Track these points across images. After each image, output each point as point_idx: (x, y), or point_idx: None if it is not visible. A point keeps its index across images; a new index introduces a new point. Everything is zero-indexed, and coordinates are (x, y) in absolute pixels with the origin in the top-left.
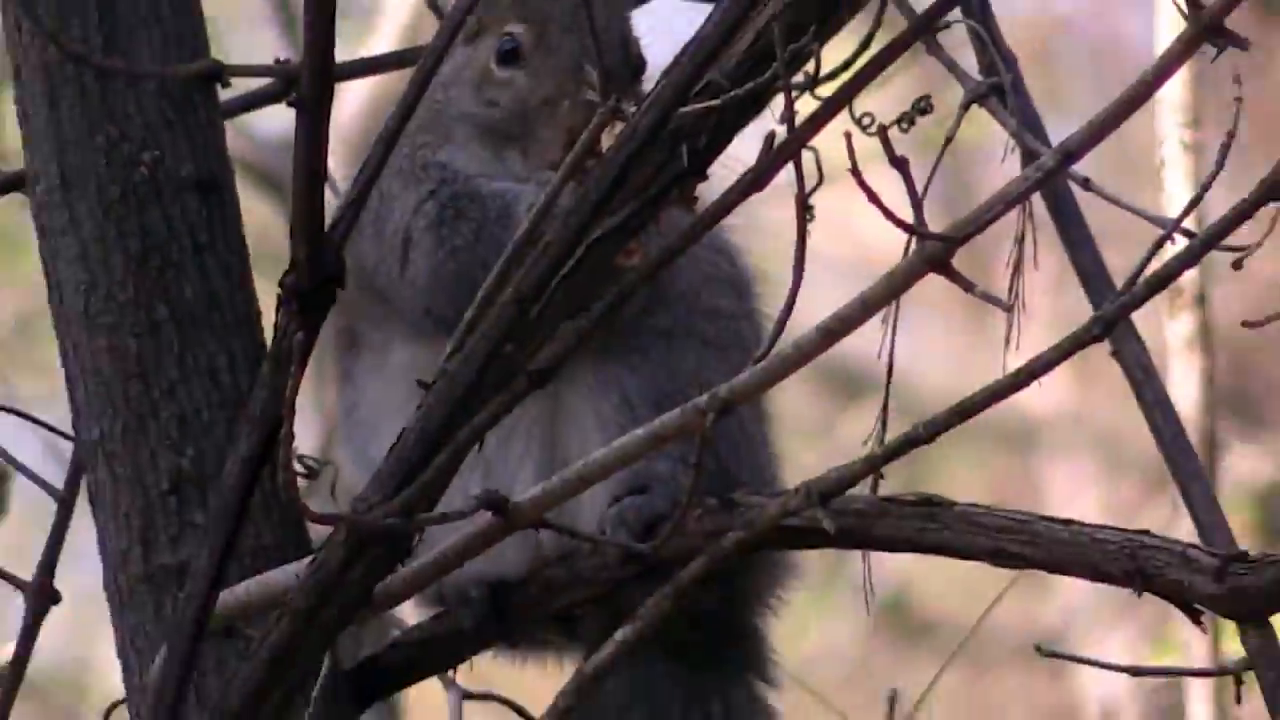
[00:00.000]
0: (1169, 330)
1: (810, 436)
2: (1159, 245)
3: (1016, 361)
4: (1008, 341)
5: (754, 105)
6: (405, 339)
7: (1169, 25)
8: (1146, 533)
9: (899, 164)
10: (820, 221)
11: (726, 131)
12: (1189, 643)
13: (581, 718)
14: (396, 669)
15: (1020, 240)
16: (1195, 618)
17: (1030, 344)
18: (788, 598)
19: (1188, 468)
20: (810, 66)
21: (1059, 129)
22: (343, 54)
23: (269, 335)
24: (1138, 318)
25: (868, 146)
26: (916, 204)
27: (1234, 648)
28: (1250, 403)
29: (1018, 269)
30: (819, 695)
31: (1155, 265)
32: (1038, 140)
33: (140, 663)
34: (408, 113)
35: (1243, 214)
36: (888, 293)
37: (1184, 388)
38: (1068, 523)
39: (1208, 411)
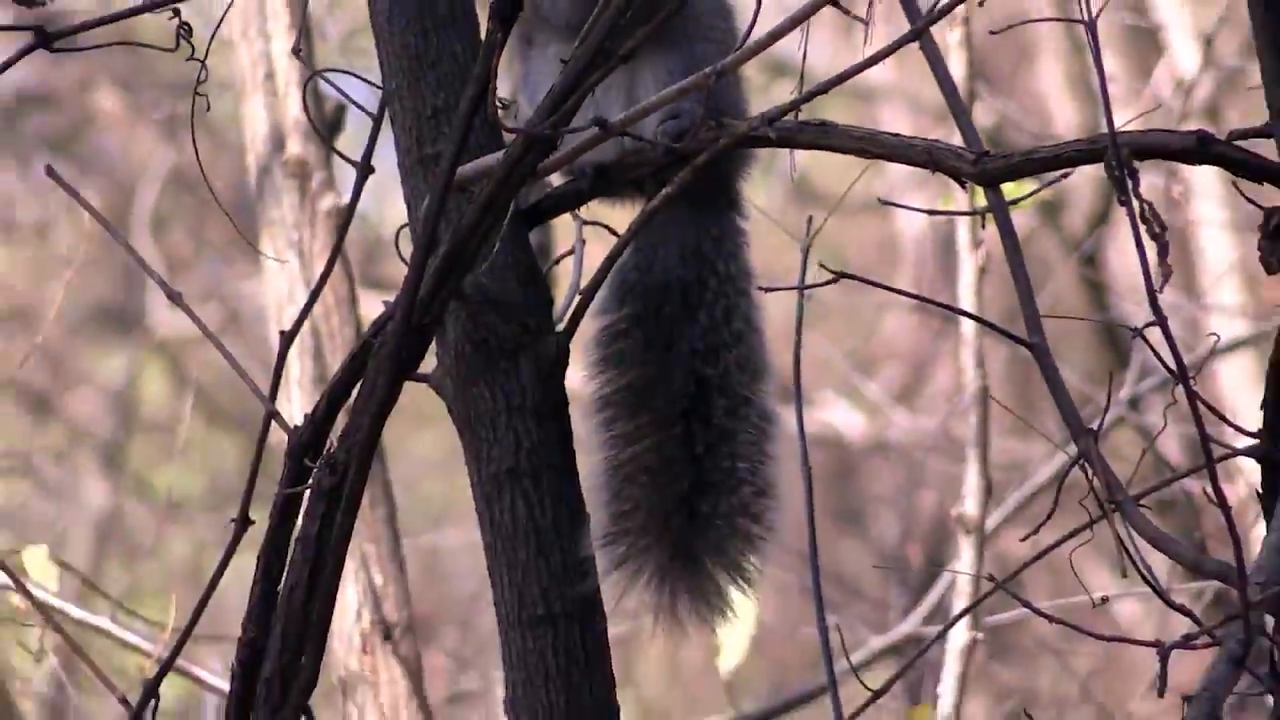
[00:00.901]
0: (949, 37)
1: (760, 93)
2: None
3: (869, 53)
4: (865, 42)
5: None
6: (555, 40)
7: None
8: (938, 141)
9: None
10: None
11: None
12: (958, 199)
13: (643, 238)
14: (548, 208)
15: None
16: (962, 185)
17: (877, 43)
18: (751, 175)
19: (958, 109)
20: None
21: None
22: None
23: (483, 36)
24: (935, 30)
25: None
26: None
27: (981, 201)
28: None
29: (872, 3)
30: (768, 215)
31: None
32: None
33: (416, 204)
34: None
35: None
36: (802, 17)
37: (955, 68)
38: (896, 135)
39: (969, 81)
